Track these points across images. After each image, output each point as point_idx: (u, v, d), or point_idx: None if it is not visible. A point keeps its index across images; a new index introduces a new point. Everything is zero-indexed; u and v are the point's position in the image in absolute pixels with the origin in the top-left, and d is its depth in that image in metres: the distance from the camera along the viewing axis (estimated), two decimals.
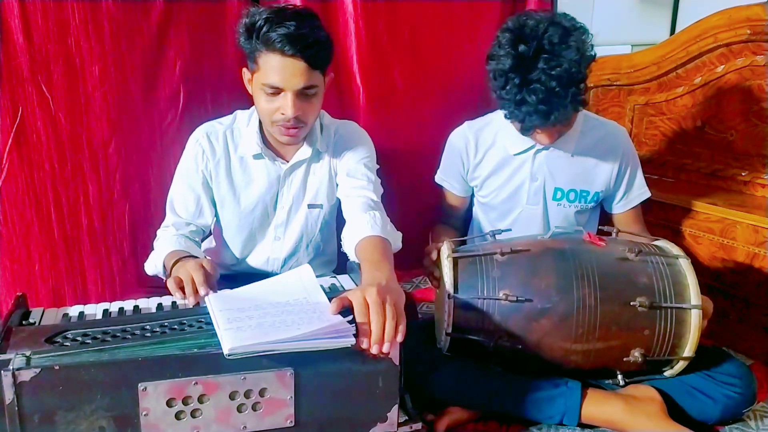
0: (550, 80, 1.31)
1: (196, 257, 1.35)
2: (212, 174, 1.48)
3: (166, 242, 1.42)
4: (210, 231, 1.57)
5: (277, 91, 1.32)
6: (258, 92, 1.36)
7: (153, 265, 1.41)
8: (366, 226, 1.31)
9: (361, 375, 1.06)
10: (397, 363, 1.08)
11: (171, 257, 1.35)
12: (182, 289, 1.20)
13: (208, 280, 1.20)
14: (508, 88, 1.36)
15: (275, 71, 1.30)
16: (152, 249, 1.47)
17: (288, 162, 1.48)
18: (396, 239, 1.34)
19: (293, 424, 1.05)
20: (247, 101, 1.47)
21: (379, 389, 1.08)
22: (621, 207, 1.64)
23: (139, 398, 0.97)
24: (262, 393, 1.02)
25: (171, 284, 1.23)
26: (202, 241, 1.55)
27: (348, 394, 1.07)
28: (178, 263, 1.29)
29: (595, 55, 1.39)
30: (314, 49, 1.29)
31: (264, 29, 1.28)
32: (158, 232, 1.49)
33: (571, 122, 1.48)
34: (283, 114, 1.34)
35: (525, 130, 1.42)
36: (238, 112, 1.53)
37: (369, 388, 1.07)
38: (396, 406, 1.10)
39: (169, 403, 0.99)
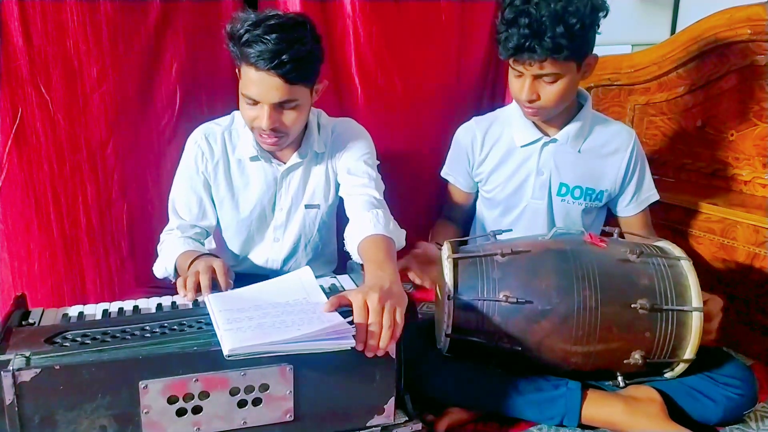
0: (543, 9, 1.35)
1: (211, 255, 1.35)
2: (211, 175, 1.48)
3: (174, 245, 1.42)
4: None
5: (254, 102, 1.32)
6: (241, 98, 1.36)
7: (163, 268, 1.41)
8: (369, 224, 1.31)
9: (359, 369, 1.07)
10: (394, 356, 1.09)
11: (185, 257, 1.35)
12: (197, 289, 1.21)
13: (218, 280, 1.22)
14: (508, 8, 1.40)
15: (252, 83, 1.29)
16: (155, 253, 1.48)
17: (285, 164, 1.48)
18: (400, 237, 1.34)
19: (293, 418, 1.06)
20: None
21: (376, 382, 1.09)
22: (631, 210, 1.64)
23: (140, 396, 0.97)
24: (262, 388, 1.03)
25: (180, 283, 1.23)
26: None
27: (346, 388, 1.08)
28: (194, 262, 1.29)
29: (598, 24, 1.42)
30: (290, 65, 1.25)
31: (242, 41, 1.26)
32: (162, 236, 1.49)
33: (558, 95, 1.44)
34: (260, 124, 1.33)
35: (503, 51, 1.44)
36: (236, 113, 1.52)
37: (366, 381, 1.09)
38: (392, 398, 1.11)
39: (170, 401, 0.99)
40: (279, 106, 1.32)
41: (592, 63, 1.48)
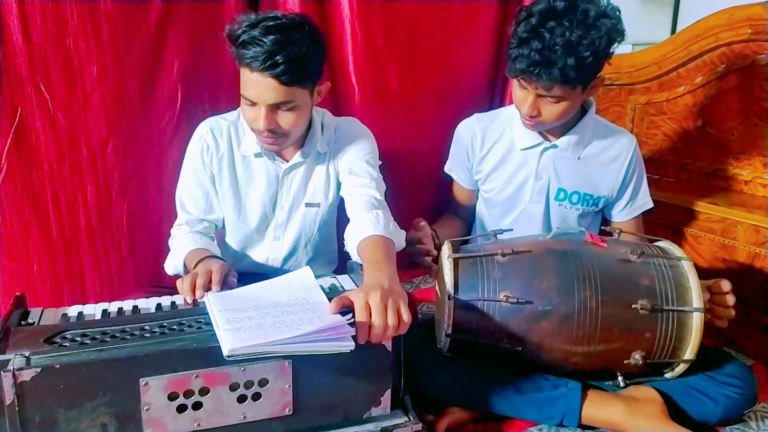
0: (558, 38, 1.32)
1: (215, 257, 1.35)
2: (216, 169, 1.48)
3: (183, 241, 1.43)
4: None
5: (252, 103, 1.32)
6: (241, 98, 1.36)
7: (173, 265, 1.43)
8: (369, 225, 1.31)
9: (356, 362, 1.08)
10: (390, 348, 1.10)
11: (193, 256, 1.36)
12: (194, 290, 1.20)
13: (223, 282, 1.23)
14: (523, 24, 1.37)
15: (249, 84, 1.29)
16: (168, 249, 1.48)
17: (288, 162, 1.48)
18: (399, 238, 1.33)
19: (292, 412, 1.07)
20: None
21: (372, 375, 1.11)
22: (623, 216, 1.63)
23: (141, 393, 0.97)
24: (261, 383, 1.03)
25: (186, 283, 1.21)
26: None
27: (343, 381, 1.09)
28: (200, 263, 1.30)
29: (612, 54, 1.39)
30: (284, 67, 1.24)
31: (239, 42, 1.26)
32: (172, 231, 1.50)
33: (559, 114, 1.44)
34: (257, 125, 1.33)
35: (511, 71, 1.42)
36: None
37: (363, 374, 1.10)
38: (389, 390, 1.12)
39: (170, 397, 0.99)
40: (275, 108, 1.31)
41: (598, 84, 1.46)
